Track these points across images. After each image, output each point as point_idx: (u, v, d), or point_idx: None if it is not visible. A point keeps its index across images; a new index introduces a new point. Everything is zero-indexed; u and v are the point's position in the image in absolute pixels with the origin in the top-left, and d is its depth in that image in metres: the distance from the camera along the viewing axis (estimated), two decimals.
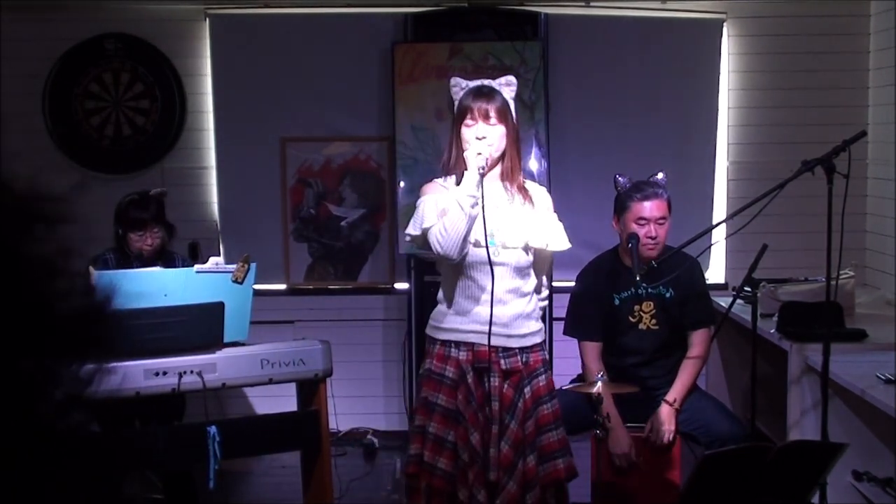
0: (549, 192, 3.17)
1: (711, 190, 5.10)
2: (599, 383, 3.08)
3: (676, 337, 3.61)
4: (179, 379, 3.05)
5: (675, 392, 3.52)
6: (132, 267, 3.71)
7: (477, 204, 2.77)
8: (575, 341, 3.68)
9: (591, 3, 5.05)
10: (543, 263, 3.07)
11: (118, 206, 3.76)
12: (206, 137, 5.15)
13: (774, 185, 3.20)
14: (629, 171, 3.71)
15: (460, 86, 2.94)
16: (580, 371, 3.70)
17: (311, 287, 5.17)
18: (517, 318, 2.91)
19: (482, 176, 2.78)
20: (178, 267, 3.79)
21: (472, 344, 2.89)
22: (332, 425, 3.55)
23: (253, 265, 3.26)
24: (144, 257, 3.74)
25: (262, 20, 5.06)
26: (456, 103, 2.92)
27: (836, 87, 5.06)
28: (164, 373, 3.04)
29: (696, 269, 3.61)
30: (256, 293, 3.32)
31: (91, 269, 3.30)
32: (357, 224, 5.12)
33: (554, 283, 4.86)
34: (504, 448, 2.86)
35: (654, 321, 3.58)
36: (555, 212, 3.12)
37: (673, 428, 3.47)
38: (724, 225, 4.15)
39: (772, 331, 3.82)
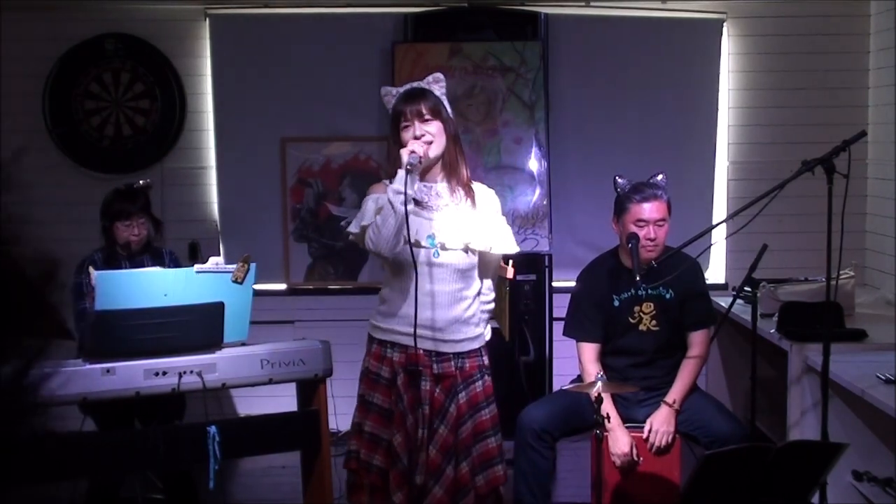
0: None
1: (711, 190, 5.10)
2: (599, 383, 3.08)
3: (676, 338, 3.61)
4: (179, 379, 3.05)
5: (675, 393, 3.52)
6: (120, 265, 3.72)
7: (407, 201, 2.75)
8: (574, 341, 3.68)
9: (591, 3, 5.05)
10: (488, 267, 3.03)
11: (104, 199, 3.79)
12: (206, 137, 5.15)
13: (774, 185, 3.20)
14: (629, 170, 3.71)
15: (391, 94, 2.95)
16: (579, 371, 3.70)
17: (311, 287, 5.17)
18: (453, 323, 2.89)
19: (409, 172, 2.76)
20: (166, 261, 3.82)
21: (405, 346, 2.89)
22: (332, 425, 3.55)
23: (253, 265, 3.26)
24: (132, 250, 3.76)
25: (262, 20, 5.07)
26: (390, 111, 2.93)
27: (836, 87, 5.07)
28: (164, 373, 3.04)
29: (695, 269, 3.61)
30: (256, 293, 3.32)
31: (91, 269, 3.30)
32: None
33: (554, 284, 4.91)
34: (432, 452, 2.86)
35: (654, 322, 3.58)
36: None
37: (672, 429, 3.47)
38: (724, 225, 4.15)
39: (772, 331, 3.82)
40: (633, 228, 3.45)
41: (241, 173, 5.10)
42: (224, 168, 5.11)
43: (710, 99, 5.07)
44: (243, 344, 3.26)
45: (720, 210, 5.11)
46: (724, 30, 5.04)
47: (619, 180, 3.55)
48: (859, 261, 4.84)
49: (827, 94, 5.07)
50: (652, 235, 3.44)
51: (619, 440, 3.45)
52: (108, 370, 2.98)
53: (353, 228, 2.91)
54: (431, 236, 2.85)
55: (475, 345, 2.97)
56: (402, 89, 2.94)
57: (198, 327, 3.10)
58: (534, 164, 4.75)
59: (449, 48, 4.83)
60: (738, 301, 3.46)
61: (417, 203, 2.88)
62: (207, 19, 5.05)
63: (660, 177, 3.54)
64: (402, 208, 2.73)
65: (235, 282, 3.24)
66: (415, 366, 2.88)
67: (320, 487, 3.34)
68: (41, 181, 5.10)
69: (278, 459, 4.56)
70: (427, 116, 2.85)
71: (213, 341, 3.14)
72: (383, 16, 5.02)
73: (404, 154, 2.79)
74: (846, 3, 5.05)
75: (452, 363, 2.91)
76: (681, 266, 3.42)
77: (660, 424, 3.47)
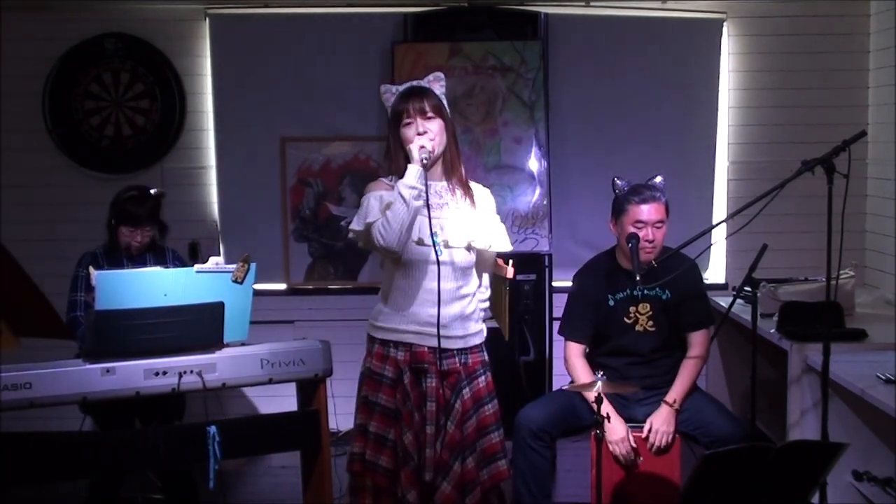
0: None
1: (711, 190, 5.10)
2: (599, 383, 3.08)
3: (674, 338, 3.61)
4: (179, 379, 3.05)
5: (675, 392, 3.53)
6: (122, 261, 3.73)
7: (420, 196, 2.76)
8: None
9: (591, 3, 5.05)
10: (485, 264, 3.07)
11: (116, 197, 3.79)
12: (206, 137, 5.15)
13: (774, 185, 3.20)
14: (629, 170, 3.71)
15: (391, 91, 2.96)
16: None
17: (311, 287, 5.17)
18: (456, 319, 2.91)
19: (424, 168, 2.78)
20: (168, 262, 3.82)
21: (410, 344, 2.89)
22: (332, 425, 3.55)
23: (253, 265, 3.26)
24: (132, 252, 3.76)
25: (262, 20, 5.07)
26: (389, 109, 2.94)
27: (836, 87, 5.07)
28: (164, 373, 3.04)
29: (693, 270, 3.61)
30: (256, 293, 3.32)
31: (91, 269, 3.30)
32: None
33: (554, 283, 4.91)
34: (440, 449, 2.87)
35: (650, 322, 3.58)
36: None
37: (672, 429, 3.47)
38: (724, 225, 4.14)
39: (772, 331, 3.82)
40: (632, 230, 3.45)
41: (241, 173, 5.10)
42: (224, 168, 5.11)
43: (710, 99, 5.07)
44: (243, 344, 3.26)
45: (720, 210, 5.11)
46: (724, 30, 5.04)
47: (618, 182, 3.55)
48: (859, 261, 4.85)
49: (827, 94, 5.07)
50: (650, 237, 3.45)
51: (615, 428, 3.45)
52: (108, 370, 2.98)
53: (355, 226, 2.90)
54: (434, 234, 2.86)
55: (477, 340, 3.00)
56: (401, 87, 2.94)
57: (198, 327, 3.10)
58: (534, 163, 4.75)
59: (449, 48, 4.83)
60: (738, 301, 3.46)
61: None
62: (207, 19, 5.05)
63: (658, 179, 3.54)
64: (414, 203, 2.74)
65: (235, 282, 3.24)
66: (420, 363, 2.89)
67: (320, 487, 3.34)
68: (41, 181, 5.11)
69: (278, 459, 4.57)
70: (430, 114, 2.87)
71: (213, 341, 3.14)
72: (383, 16, 5.02)
73: (415, 149, 2.80)
74: (846, 3, 5.05)
75: (457, 359, 2.93)
76: (679, 267, 3.43)
77: (660, 424, 3.47)
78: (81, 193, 5.08)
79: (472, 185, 3.03)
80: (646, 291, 3.56)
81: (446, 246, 2.88)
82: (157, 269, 3.39)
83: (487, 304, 3.10)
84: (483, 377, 2.99)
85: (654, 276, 3.41)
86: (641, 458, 3.49)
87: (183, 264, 3.78)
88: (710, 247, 4.70)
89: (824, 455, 2.70)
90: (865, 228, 5.04)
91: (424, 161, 2.78)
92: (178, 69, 5.08)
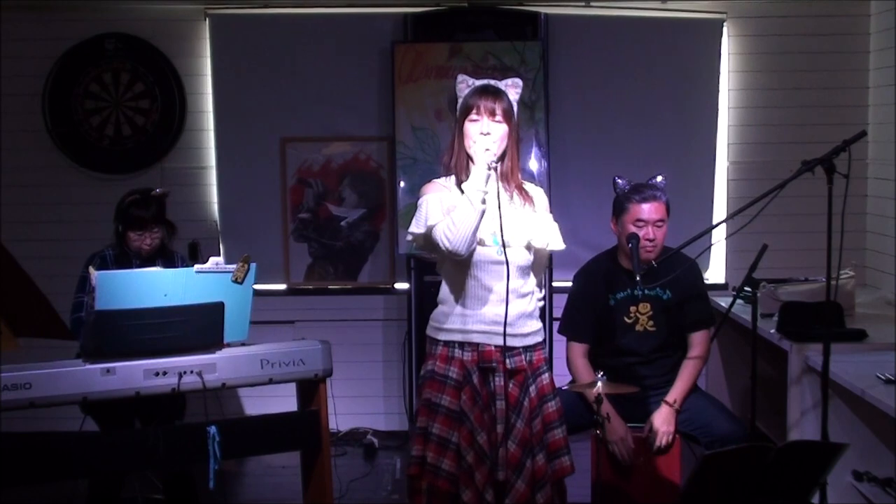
0: (549, 192, 3.17)
1: (711, 190, 5.10)
2: (599, 383, 3.08)
3: (675, 338, 3.61)
4: (179, 379, 3.05)
5: (675, 393, 3.53)
6: (131, 263, 3.71)
7: (486, 199, 2.76)
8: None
9: (591, 3, 5.05)
10: (541, 263, 3.08)
11: (119, 203, 3.77)
12: (206, 137, 5.15)
13: (774, 185, 3.20)
14: (629, 171, 3.71)
15: (467, 83, 2.94)
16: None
17: (311, 287, 5.17)
18: (520, 318, 2.92)
19: (491, 171, 2.79)
20: (177, 266, 3.79)
21: (477, 344, 2.89)
22: (332, 425, 3.55)
23: (253, 265, 3.26)
24: (143, 256, 3.75)
25: (262, 20, 5.07)
26: (460, 100, 2.92)
27: (836, 87, 5.07)
28: (164, 373, 3.04)
29: (694, 270, 3.61)
30: (256, 293, 3.32)
31: (91, 269, 3.30)
32: (357, 224, 5.13)
33: (554, 284, 4.91)
34: (511, 447, 2.87)
35: (651, 323, 3.58)
36: (553, 211, 3.12)
37: (672, 429, 3.47)
38: (724, 225, 4.14)
39: (772, 331, 3.82)
40: (632, 229, 3.45)
41: (241, 173, 5.10)
42: (224, 168, 5.11)
43: (710, 99, 5.07)
44: (243, 344, 3.26)
45: (720, 210, 5.11)
46: (724, 30, 5.04)
47: (619, 181, 3.56)
48: (859, 261, 4.84)
49: (827, 94, 5.07)
50: (651, 236, 3.45)
51: (615, 428, 3.44)
52: (108, 370, 2.98)
53: (414, 229, 2.90)
54: (494, 234, 2.86)
55: (539, 338, 3.00)
56: (478, 82, 2.93)
57: (198, 327, 3.10)
58: (534, 164, 4.75)
59: (449, 48, 4.83)
60: (738, 301, 3.46)
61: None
62: (207, 19, 5.05)
63: (659, 178, 3.54)
64: (483, 206, 2.74)
65: (235, 282, 3.24)
66: (489, 363, 2.89)
67: (320, 487, 3.34)
68: (41, 181, 5.11)
69: (278, 459, 4.57)
70: (498, 118, 2.86)
71: (213, 341, 3.14)
72: (383, 16, 5.02)
73: (480, 152, 2.80)
74: (846, 3, 5.05)
75: (523, 357, 2.94)
76: (680, 266, 3.43)
77: (660, 424, 3.47)
78: (81, 193, 5.08)
79: (527, 185, 3.03)
80: (646, 291, 3.56)
81: (507, 246, 2.88)
82: (157, 269, 3.39)
83: (542, 303, 3.11)
84: (546, 374, 3.00)
85: (654, 276, 3.41)
86: (641, 458, 3.49)
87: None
88: (710, 247, 4.71)
89: (824, 455, 2.70)
90: (865, 228, 5.04)
91: (492, 165, 2.79)
92: (178, 69, 5.08)
